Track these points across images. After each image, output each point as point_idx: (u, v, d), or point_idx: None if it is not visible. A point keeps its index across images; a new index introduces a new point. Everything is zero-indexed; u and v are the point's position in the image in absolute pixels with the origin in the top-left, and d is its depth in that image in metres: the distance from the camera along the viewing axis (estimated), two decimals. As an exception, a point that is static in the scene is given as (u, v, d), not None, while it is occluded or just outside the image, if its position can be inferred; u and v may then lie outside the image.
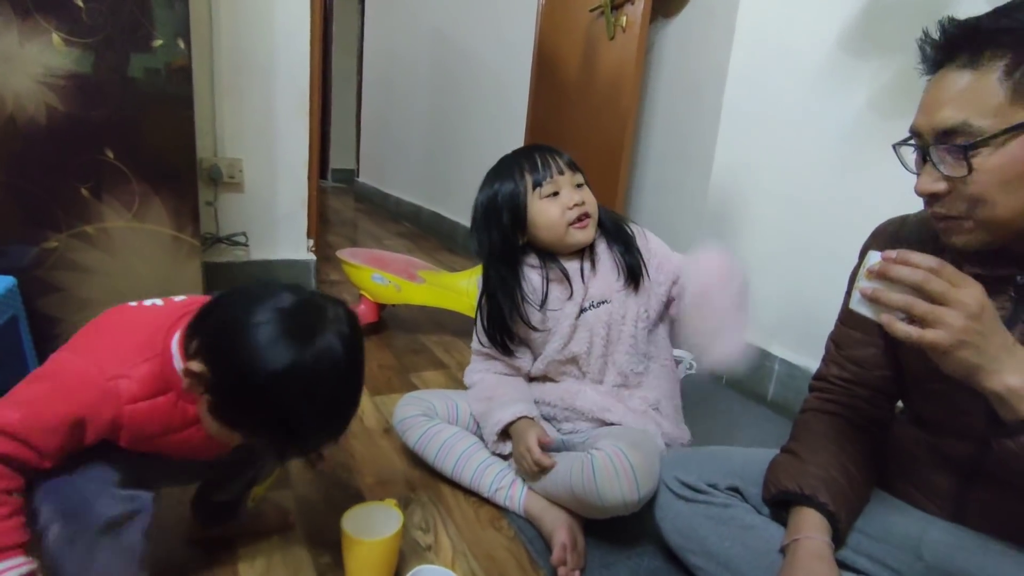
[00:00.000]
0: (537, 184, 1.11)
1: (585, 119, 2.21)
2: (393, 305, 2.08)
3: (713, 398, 1.70)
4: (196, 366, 0.68)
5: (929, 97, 0.69)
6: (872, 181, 1.44)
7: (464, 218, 3.40)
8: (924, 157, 0.70)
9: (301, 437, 0.71)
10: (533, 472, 1.05)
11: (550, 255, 1.16)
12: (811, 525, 0.81)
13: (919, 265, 0.61)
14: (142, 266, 1.36)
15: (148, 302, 0.79)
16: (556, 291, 1.16)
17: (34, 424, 0.65)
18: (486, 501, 1.12)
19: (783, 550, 0.82)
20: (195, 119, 1.41)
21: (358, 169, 5.81)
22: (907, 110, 1.44)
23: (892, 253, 0.63)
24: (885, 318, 0.63)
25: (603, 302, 1.14)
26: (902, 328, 0.61)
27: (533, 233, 1.13)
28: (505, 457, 1.14)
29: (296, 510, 1.06)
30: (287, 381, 0.66)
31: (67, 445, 0.67)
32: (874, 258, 0.65)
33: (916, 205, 0.76)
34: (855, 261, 0.87)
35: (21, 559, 0.64)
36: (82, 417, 0.67)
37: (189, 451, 0.78)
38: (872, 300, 0.64)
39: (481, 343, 1.22)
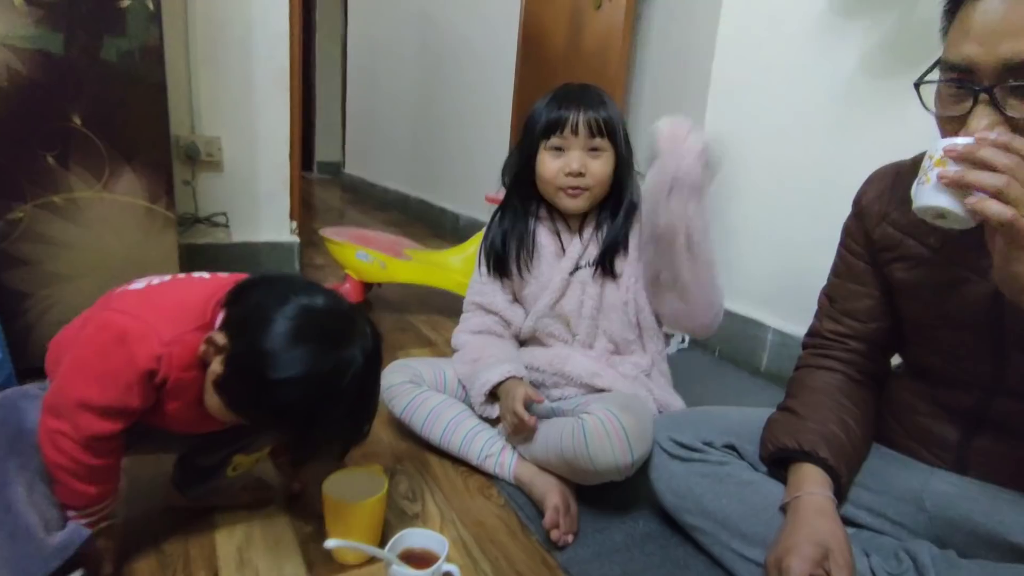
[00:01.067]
0: (547, 133, 1.06)
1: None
2: (379, 285, 2.04)
3: (706, 370, 1.68)
4: (220, 338, 0.69)
5: (990, 23, 0.59)
6: (864, 142, 1.42)
7: (452, 203, 3.36)
8: (974, 96, 0.61)
9: (302, 440, 0.72)
10: (519, 433, 1.01)
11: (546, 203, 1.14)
12: (812, 481, 0.78)
13: (1020, 150, 0.54)
14: (114, 239, 1.31)
15: (196, 275, 0.80)
16: (552, 244, 1.13)
17: (123, 393, 0.69)
18: (475, 470, 1.09)
19: (784, 508, 0.79)
20: (169, 91, 1.35)
21: (344, 161, 5.73)
22: (897, 68, 1.42)
23: (988, 133, 0.57)
24: (973, 200, 0.55)
25: (594, 263, 1.10)
26: (996, 207, 0.54)
27: (537, 182, 1.11)
28: (493, 422, 1.11)
29: (278, 483, 1.01)
30: (299, 382, 0.66)
31: (148, 395, 0.71)
32: (942, 146, 0.58)
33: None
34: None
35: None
36: (150, 370, 0.69)
37: (194, 423, 0.77)
38: (954, 184, 0.56)
39: (480, 275, 1.20)
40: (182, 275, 0.80)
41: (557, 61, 2.28)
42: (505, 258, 1.15)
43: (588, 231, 1.12)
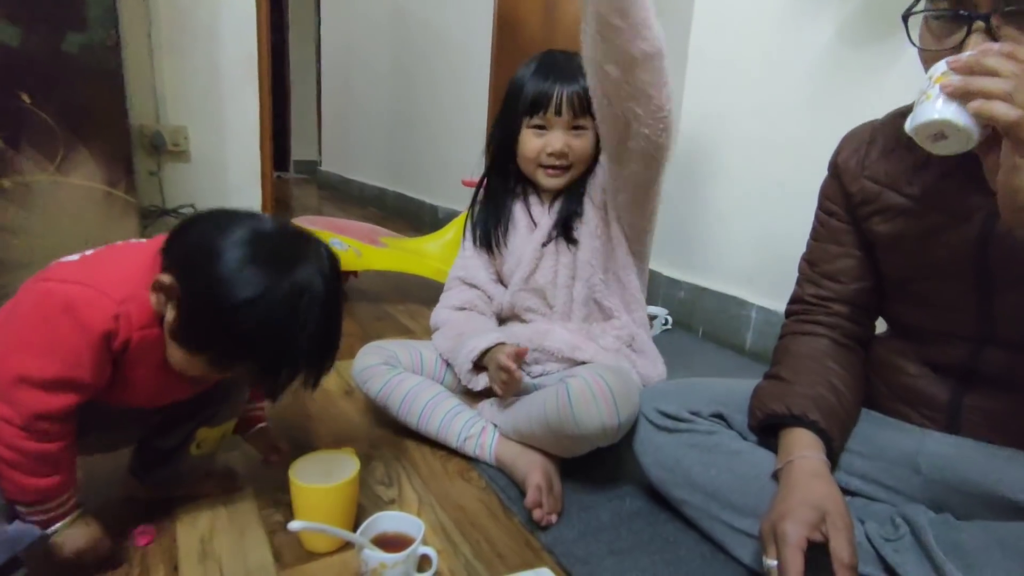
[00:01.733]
0: (528, 112, 1.04)
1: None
2: (355, 276, 1.99)
3: (689, 351, 1.65)
4: (166, 278, 0.64)
5: None
6: (841, 115, 1.39)
7: (430, 196, 3.31)
8: (968, 25, 0.60)
9: (268, 371, 0.67)
10: (508, 388, 0.98)
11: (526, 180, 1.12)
12: (804, 444, 0.75)
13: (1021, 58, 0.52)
14: (71, 224, 1.25)
15: (133, 240, 0.75)
16: (524, 218, 1.10)
17: (71, 364, 0.63)
18: (455, 454, 1.04)
19: (776, 475, 0.76)
20: (132, 79, 1.30)
21: (320, 159, 5.65)
22: (875, 36, 1.40)
23: (992, 45, 0.54)
24: (978, 104, 0.52)
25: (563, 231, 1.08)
26: (1002, 107, 0.51)
27: (519, 159, 1.09)
28: (475, 397, 1.07)
29: (246, 471, 0.96)
30: (257, 303, 0.62)
31: (103, 366, 0.66)
32: (944, 62, 0.56)
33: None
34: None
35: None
36: (107, 332, 0.64)
37: (159, 391, 0.74)
38: (959, 93, 0.54)
39: (464, 250, 1.19)
40: (119, 242, 0.75)
41: (533, 46, 2.24)
42: (487, 232, 1.14)
43: (559, 203, 1.09)
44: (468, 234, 1.19)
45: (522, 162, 1.08)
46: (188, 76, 1.92)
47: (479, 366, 1.06)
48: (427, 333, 1.29)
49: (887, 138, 0.81)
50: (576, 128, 1.03)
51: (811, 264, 0.90)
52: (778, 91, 1.53)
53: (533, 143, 1.04)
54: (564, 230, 1.07)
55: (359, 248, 1.73)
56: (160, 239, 0.71)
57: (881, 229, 0.80)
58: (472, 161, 2.74)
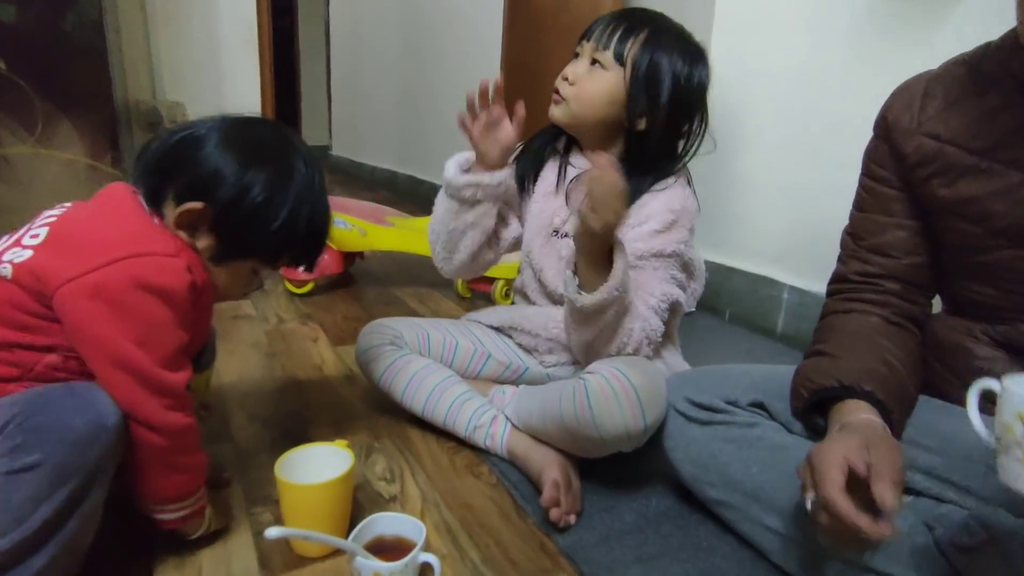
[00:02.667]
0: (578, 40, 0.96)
1: (565, 45, 2.01)
2: (361, 257, 1.90)
3: (715, 336, 1.55)
4: (194, 205, 0.63)
5: None
6: (885, 74, 1.27)
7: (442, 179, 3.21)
8: None
9: (306, 253, 0.74)
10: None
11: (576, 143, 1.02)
12: (859, 410, 0.64)
13: None
14: (53, 198, 1.16)
15: (68, 204, 0.70)
16: (548, 183, 1.01)
17: (172, 335, 0.63)
18: (463, 445, 0.96)
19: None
20: (126, 54, 1.22)
21: (331, 143, 5.57)
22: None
23: None
24: None
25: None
26: None
27: None
28: (490, 382, 0.98)
29: (235, 465, 0.88)
30: (287, 194, 0.66)
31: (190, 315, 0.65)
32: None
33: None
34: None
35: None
36: (191, 284, 0.63)
37: (202, 330, 0.74)
38: None
39: None
40: (57, 209, 0.69)
41: (546, 14, 2.12)
42: (523, 176, 1.04)
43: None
44: None
45: None
46: (185, 50, 1.83)
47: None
48: (435, 315, 1.20)
49: (947, 88, 0.70)
50: (594, 63, 0.92)
51: (855, 237, 0.79)
52: (814, 52, 1.41)
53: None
54: None
55: (364, 227, 1.64)
56: (114, 189, 0.67)
57: (944, 193, 0.70)
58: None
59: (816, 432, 0.71)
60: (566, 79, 0.93)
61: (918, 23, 1.21)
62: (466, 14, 2.91)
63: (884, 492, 0.51)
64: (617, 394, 0.75)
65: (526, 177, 1.03)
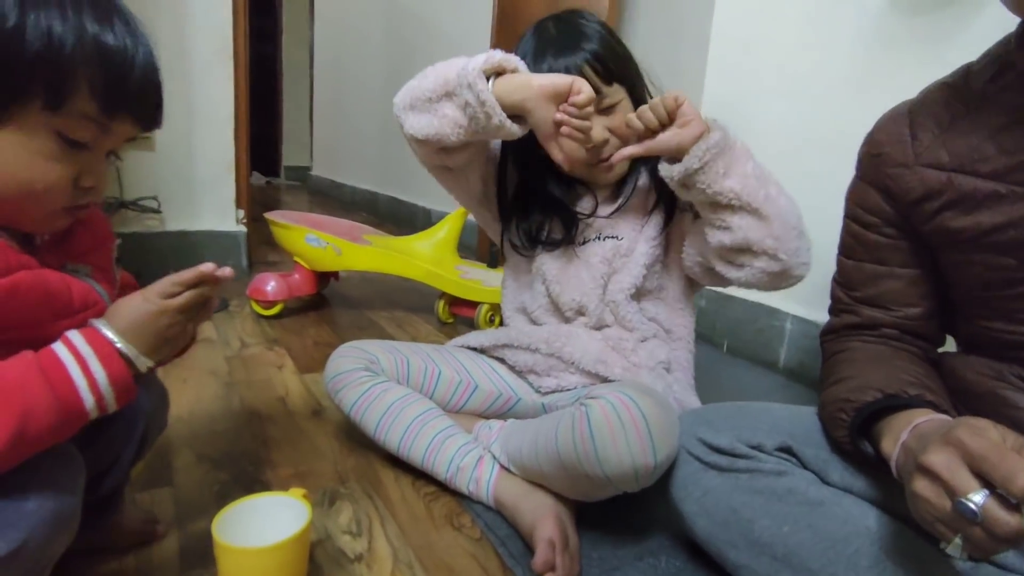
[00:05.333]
0: None
1: (553, 65, 1.95)
2: (336, 278, 1.78)
3: (715, 368, 1.45)
4: None
5: None
6: (894, 91, 1.21)
7: (424, 199, 3.11)
8: None
9: (58, 60, 0.45)
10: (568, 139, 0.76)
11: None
12: (919, 415, 0.54)
13: None
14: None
15: None
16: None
17: None
18: (443, 490, 0.84)
19: (880, 461, 0.56)
20: None
21: (312, 164, 5.48)
22: (935, 1, 1.21)
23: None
24: None
25: (610, 237, 0.88)
26: None
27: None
28: (473, 416, 0.87)
29: (173, 515, 0.75)
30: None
31: None
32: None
33: None
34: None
35: None
36: None
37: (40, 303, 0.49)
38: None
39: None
40: None
41: (536, 32, 2.06)
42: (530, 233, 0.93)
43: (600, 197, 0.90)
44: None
45: (568, 166, 0.82)
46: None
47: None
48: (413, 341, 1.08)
49: (936, 114, 0.63)
50: (605, 110, 0.82)
51: (846, 288, 0.73)
52: (816, 70, 1.35)
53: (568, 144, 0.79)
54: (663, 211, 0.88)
55: (339, 246, 1.53)
56: None
57: (959, 225, 0.61)
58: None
59: (864, 462, 0.61)
60: (607, 142, 0.83)
61: (930, 39, 1.15)
62: (451, 36, 2.86)
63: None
64: (624, 424, 0.64)
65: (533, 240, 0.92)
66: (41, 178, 0.47)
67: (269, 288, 1.52)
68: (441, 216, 2.82)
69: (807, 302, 1.38)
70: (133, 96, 0.49)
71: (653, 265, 0.88)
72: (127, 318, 0.50)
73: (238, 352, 1.33)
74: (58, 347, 0.47)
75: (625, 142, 0.81)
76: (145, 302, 0.51)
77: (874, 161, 0.68)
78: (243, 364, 1.26)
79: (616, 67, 0.82)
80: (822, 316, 1.41)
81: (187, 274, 0.52)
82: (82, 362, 0.46)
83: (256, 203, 2.34)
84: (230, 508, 0.60)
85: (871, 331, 0.70)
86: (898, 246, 0.67)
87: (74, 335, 0.47)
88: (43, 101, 0.45)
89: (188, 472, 0.85)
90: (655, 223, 0.88)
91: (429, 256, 1.59)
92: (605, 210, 0.89)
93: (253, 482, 0.84)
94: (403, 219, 3.36)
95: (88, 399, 0.46)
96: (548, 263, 0.90)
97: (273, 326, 1.50)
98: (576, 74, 0.78)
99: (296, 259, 1.58)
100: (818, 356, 1.35)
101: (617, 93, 0.83)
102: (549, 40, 0.83)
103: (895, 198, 0.65)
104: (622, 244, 0.88)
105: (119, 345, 0.49)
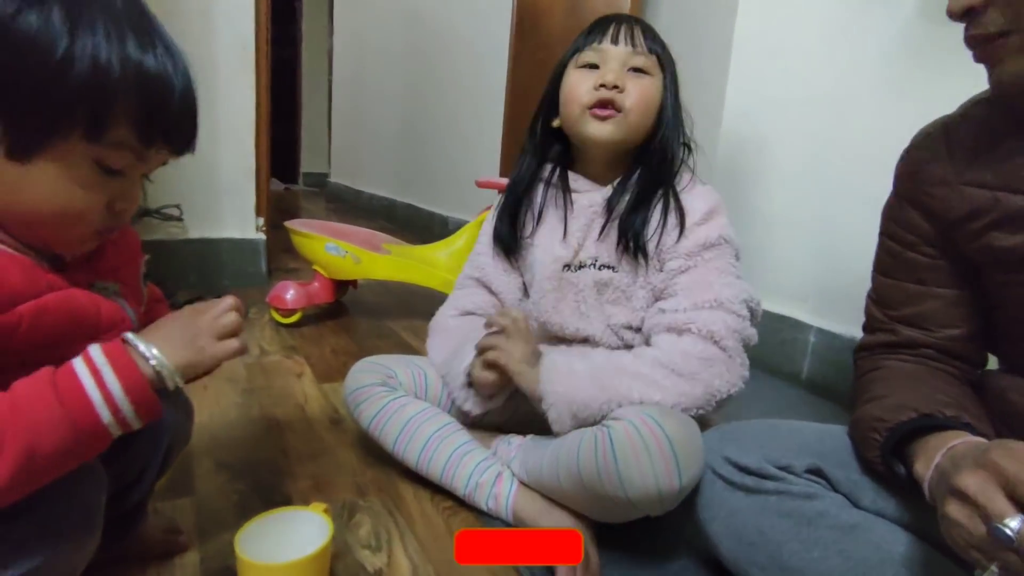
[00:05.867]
0: (578, 48, 0.85)
1: (573, 74, 1.95)
2: (354, 286, 1.79)
3: (735, 380, 1.43)
4: None
5: None
6: (924, 103, 1.19)
7: (441, 206, 3.12)
8: None
9: (103, 90, 0.44)
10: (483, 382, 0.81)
11: (569, 163, 0.91)
12: (955, 437, 0.52)
13: None
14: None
15: None
16: (551, 220, 0.89)
17: None
18: (462, 505, 0.83)
19: (912, 483, 0.54)
20: None
21: (330, 171, 5.52)
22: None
23: None
24: None
25: (606, 266, 0.86)
26: None
27: (560, 110, 0.87)
28: (493, 429, 0.86)
29: (194, 525, 0.75)
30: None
31: None
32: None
33: None
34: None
35: None
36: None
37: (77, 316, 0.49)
38: None
39: (480, 244, 0.99)
40: None
41: (555, 43, 2.06)
42: (512, 227, 0.93)
43: (601, 206, 0.86)
44: (488, 226, 0.98)
45: (564, 109, 0.85)
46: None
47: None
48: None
49: (975, 132, 0.62)
50: (635, 70, 0.82)
51: (882, 306, 0.70)
52: (842, 79, 1.33)
53: (580, 79, 0.83)
54: (628, 249, 0.83)
55: (358, 254, 1.54)
56: None
57: (1007, 244, 0.59)
58: (487, 170, 2.55)
59: (896, 484, 0.59)
60: (616, 87, 0.80)
61: (960, 48, 1.13)
62: (471, 43, 2.86)
63: None
64: (648, 445, 0.63)
65: (522, 223, 0.93)
66: (76, 205, 0.47)
67: (289, 296, 1.53)
68: (458, 224, 2.83)
69: (831, 314, 1.36)
70: (172, 125, 0.49)
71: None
72: (162, 328, 0.50)
73: (257, 360, 1.33)
74: (76, 360, 0.46)
75: (634, 104, 0.81)
76: (190, 317, 0.51)
77: (912, 179, 0.66)
78: (262, 371, 1.27)
79: (658, 49, 0.85)
80: (846, 329, 1.39)
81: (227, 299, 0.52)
82: (96, 373, 0.45)
83: (275, 210, 2.37)
84: (252, 522, 0.60)
85: (909, 350, 0.68)
86: (938, 265, 0.65)
87: (94, 348, 0.46)
88: (84, 131, 0.44)
89: (208, 481, 0.85)
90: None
91: (447, 265, 1.59)
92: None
93: (273, 492, 0.84)
94: (421, 226, 3.37)
95: (104, 413, 0.44)
96: (544, 297, 0.90)
97: (292, 334, 1.51)
98: (618, 27, 0.83)
99: (315, 267, 1.59)
100: (842, 370, 1.33)
101: (651, 67, 0.83)
102: (613, 16, 0.86)
103: (935, 217, 0.64)
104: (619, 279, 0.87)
105: (142, 348, 0.47)
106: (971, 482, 0.44)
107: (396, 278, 1.57)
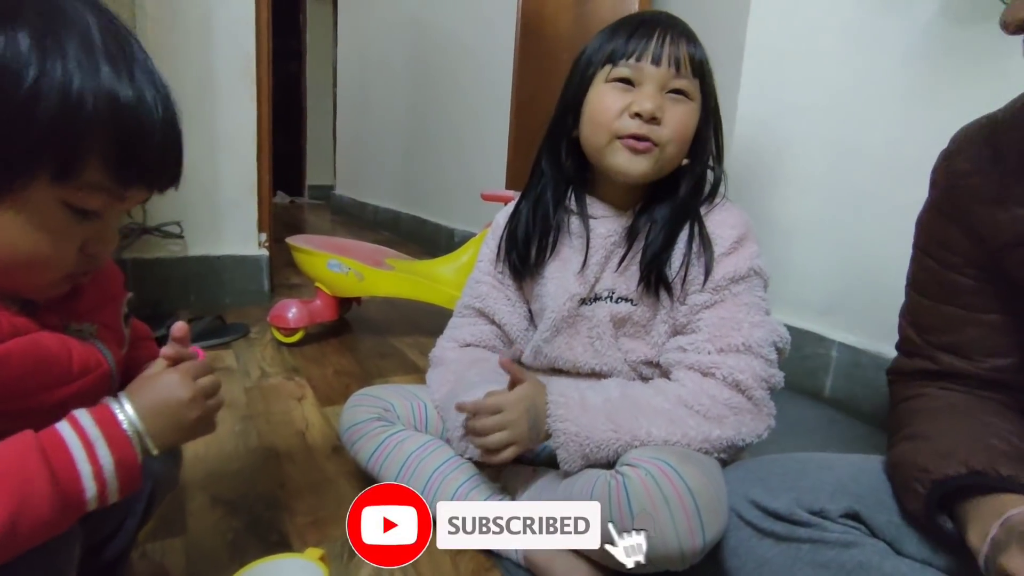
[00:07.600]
0: (612, 59, 0.74)
1: (579, 82, 1.91)
2: (358, 303, 1.75)
3: (753, 398, 1.37)
4: None
5: None
6: (949, 108, 1.14)
7: (447, 218, 3.08)
8: None
9: (76, 128, 0.40)
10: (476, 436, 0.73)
11: (587, 183, 0.83)
12: (1013, 503, 0.47)
13: None
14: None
15: None
16: (565, 250, 0.83)
17: None
18: (468, 545, 0.78)
19: (962, 542, 0.49)
20: None
21: (335, 183, 5.52)
22: (993, 8, 1.14)
23: None
24: None
25: (623, 299, 0.80)
26: None
27: (582, 126, 0.79)
28: (492, 474, 0.80)
29: (184, 569, 0.71)
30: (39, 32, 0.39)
31: None
32: None
33: None
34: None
35: None
36: None
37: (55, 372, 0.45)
38: None
39: (480, 266, 0.92)
40: None
41: (560, 48, 2.02)
42: (526, 254, 0.85)
43: (621, 236, 0.79)
44: (487, 249, 0.92)
45: (588, 129, 0.76)
46: (178, 79, 1.70)
47: None
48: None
49: (1012, 147, 0.56)
50: (676, 92, 0.73)
51: (920, 330, 0.65)
52: (860, 83, 1.28)
53: (611, 99, 0.73)
54: (651, 278, 0.76)
55: (361, 271, 1.49)
56: None
57: None
58: (492, 181, 2.51)
59: (943, 540, 0.54)
60: (654, 122, 0.72)
61: (988, 51, 1.08)
62: (474, 53, 2.83)
63: None
64: (668, 499, 0.58)
65: (535, 252, 0.84)
66: (43, 252, 0.42)
67: (290, 315, 1.49)
68: (464, 236, 2.78)
69: (855, 328, 1.30)
70: (151, 164, 0.45)
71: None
72: (153, 398, 0.46)
73: (257, 382, 1.29)
74: (63, 427, 0.42)
75: (672, 138, 0.73)
76: (180, 387, 0.47)
77: (952, 192, 0.61)
78: (262, 395, 1.23)
79: (701, 69, 0.76)
80: (871, 344, 1.33)
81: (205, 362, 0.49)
82: (88, 446, 0.42)
83: (279, 223, 2.34)
84: (245, 571, 0.55)
85: (951, 379, 0.62)
86: (983, 289, 0.60)
87: (82, 415, 0.43)
88: (51, 175, 0.40)
89: (201, 518, 0.81)
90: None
91: (452, 281, 1.54)
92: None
93: (269, 531, 0.80)
94: (426, 238, 3.34)
95: (90, 489, 0.41)
96: (557, 335, 0.85)
97: (294, 354, 1.47)
98: (659, 42, 0.72)
99: (317, 284, 1.55)
100: (867, 386, 1.27)
101: (692, 90, 0.75)
102: (650, 17, 0.76)
103: (983, 239, 0.58)
104: (638, 313, 0.81)
105: (127, 427, 0.44)
106: (1017, 564, 0.41)
107: (400, 295, 1.53)
